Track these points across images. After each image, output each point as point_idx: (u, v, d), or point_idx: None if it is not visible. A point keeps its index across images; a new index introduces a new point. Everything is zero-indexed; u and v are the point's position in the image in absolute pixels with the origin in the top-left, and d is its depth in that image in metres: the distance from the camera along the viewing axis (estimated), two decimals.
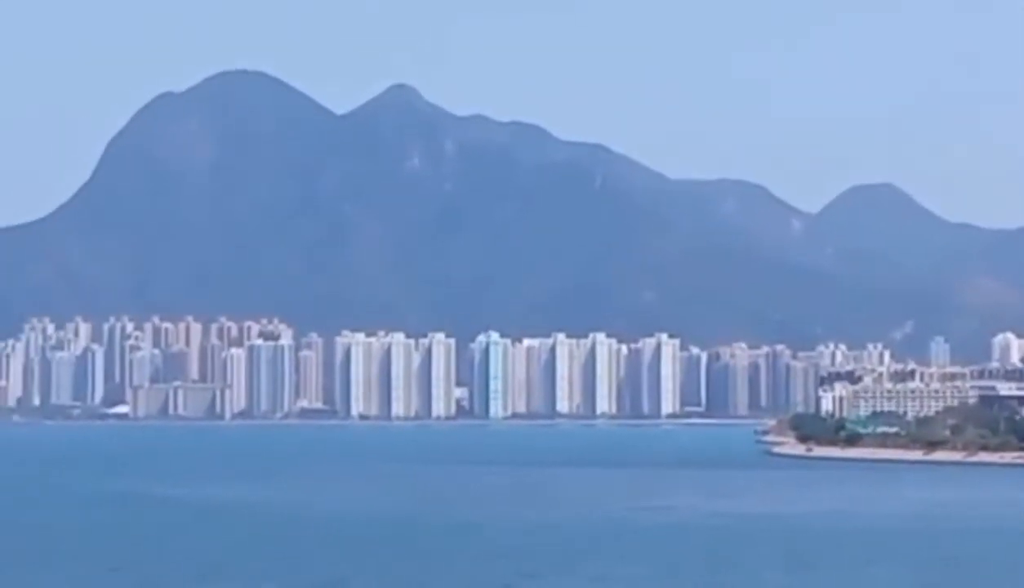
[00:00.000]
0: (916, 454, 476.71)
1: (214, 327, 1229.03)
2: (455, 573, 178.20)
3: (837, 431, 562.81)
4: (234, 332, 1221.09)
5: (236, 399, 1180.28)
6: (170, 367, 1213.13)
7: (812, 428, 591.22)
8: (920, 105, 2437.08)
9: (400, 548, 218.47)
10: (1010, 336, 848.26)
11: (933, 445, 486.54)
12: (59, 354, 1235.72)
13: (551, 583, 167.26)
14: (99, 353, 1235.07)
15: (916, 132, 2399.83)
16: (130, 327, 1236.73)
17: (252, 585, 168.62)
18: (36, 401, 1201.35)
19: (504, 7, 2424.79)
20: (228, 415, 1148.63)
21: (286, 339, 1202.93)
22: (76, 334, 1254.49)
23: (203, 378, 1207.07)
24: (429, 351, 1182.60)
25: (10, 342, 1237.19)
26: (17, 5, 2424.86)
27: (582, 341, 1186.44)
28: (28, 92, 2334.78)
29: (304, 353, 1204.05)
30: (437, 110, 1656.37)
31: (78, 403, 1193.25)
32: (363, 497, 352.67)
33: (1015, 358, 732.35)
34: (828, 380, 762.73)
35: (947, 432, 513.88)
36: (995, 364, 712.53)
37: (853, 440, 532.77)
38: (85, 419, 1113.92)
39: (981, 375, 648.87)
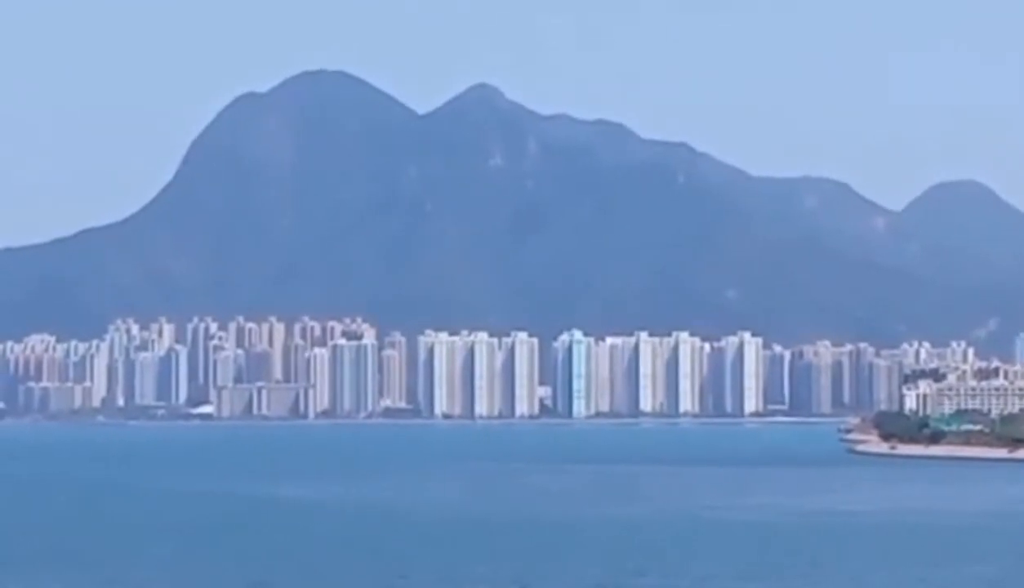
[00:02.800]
0: (1001, 452, 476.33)
1: (297, 327, 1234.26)
2: (563, 571, 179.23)
3: (920, 429, 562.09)
4: (317, 332, 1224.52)
5: (319, 399, 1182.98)
6: (253, 367, 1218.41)
7: (896, 426, 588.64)
8: (1004, 104, 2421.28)
9: (501, 547, 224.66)
10: None
11: (1018, 443, 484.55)
12: (143, 354, 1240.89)
13: (659, 582, 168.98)
14: (183, 353, 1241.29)
15: (1000, 129, 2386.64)
16: (213, 327, 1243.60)
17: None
18: (120, 402, 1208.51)
19: (586, 5, 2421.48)
20: (311, 415, 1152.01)
21: (369, 338, 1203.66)
22: (160, 334, 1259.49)
23: (286, 378, 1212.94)
24: (512, 350, 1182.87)
25: (95, 342, 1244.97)
26: (103, 9, 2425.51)
27: (665, 339, 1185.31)
28: (112, 93, 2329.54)
29: (387, 352, 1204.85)
30: (519, 109, 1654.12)
31: (162, 403, 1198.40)
32: (455, 496, 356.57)
33: None
34: (912, 378, 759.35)
35: None
36: None
37: (937, 438, 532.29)
38: (169, 419, 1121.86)
39: None
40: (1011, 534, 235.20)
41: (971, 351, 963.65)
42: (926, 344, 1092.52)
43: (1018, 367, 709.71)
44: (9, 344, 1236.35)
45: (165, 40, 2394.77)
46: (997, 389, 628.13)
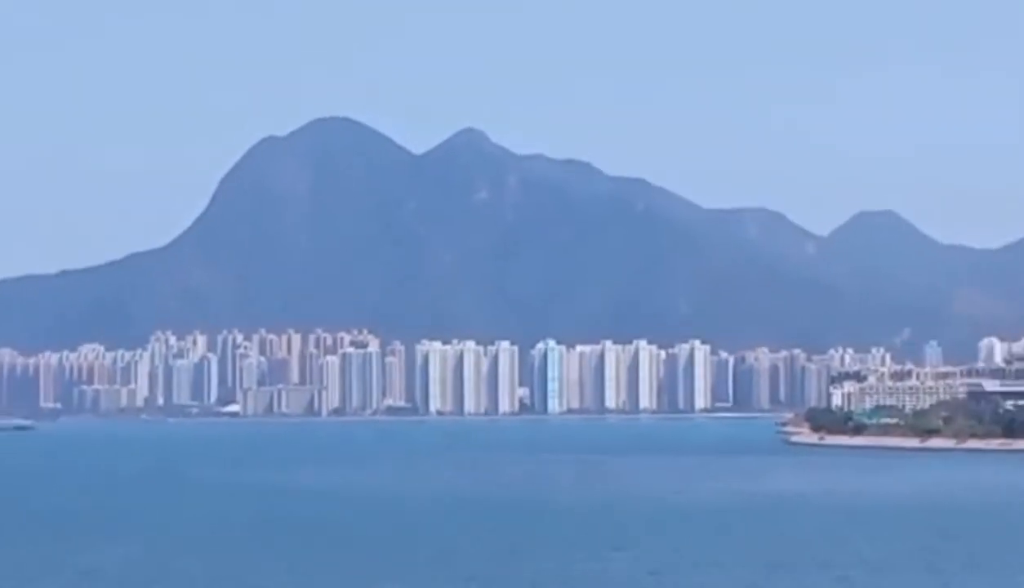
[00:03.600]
0: (913, 442, 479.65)
1: (311, 337, 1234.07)
2: (546, 546, 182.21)
3: (845, 422, 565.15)
4: (329, 342, 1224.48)
5: (331, 399, 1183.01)
6: (274, 372, 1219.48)
7: (824, 420, 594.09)
8: (917, 142, 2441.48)
9: (489, 525, 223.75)
10: (994, 340, 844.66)
11: (928, 434, 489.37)
12: (179, 362, 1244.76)
13: (634, 556, 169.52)
14: (213, 361, 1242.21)
15: (913, 166, 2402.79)
16: (240, 338, 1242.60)
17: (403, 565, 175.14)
18: (160, 402, 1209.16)
19: (558, 60, 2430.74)
20: (324, 413, 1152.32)
21: (373, 347, 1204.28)
22: (194, 344, 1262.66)
23: (302, 381, 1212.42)
24: (496, 357, 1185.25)
25: (138, 351, 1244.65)
26: (141, 63, 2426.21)
27: (627, 347, 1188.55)
28: (153, 136, 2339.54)
29: (389, 359, 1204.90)
30: (501, 150, 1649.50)
31: (196, 403, 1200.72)
32: (449, 481, 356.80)
33: (998, 359, 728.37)
34: (838, 379, 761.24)
35: (940, 423, 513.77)
36: (981, 364, 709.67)
37: (859, 430, 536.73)
38: (202, 417, 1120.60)
39: (969, 374, 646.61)
40: (921, 511, 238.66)
41: (888, 356, 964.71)
42: (850, 350, 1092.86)
43: (927, 369, 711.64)
44: (65, 353, 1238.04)
45: (199, 89, 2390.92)
46: (910, 388, 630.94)
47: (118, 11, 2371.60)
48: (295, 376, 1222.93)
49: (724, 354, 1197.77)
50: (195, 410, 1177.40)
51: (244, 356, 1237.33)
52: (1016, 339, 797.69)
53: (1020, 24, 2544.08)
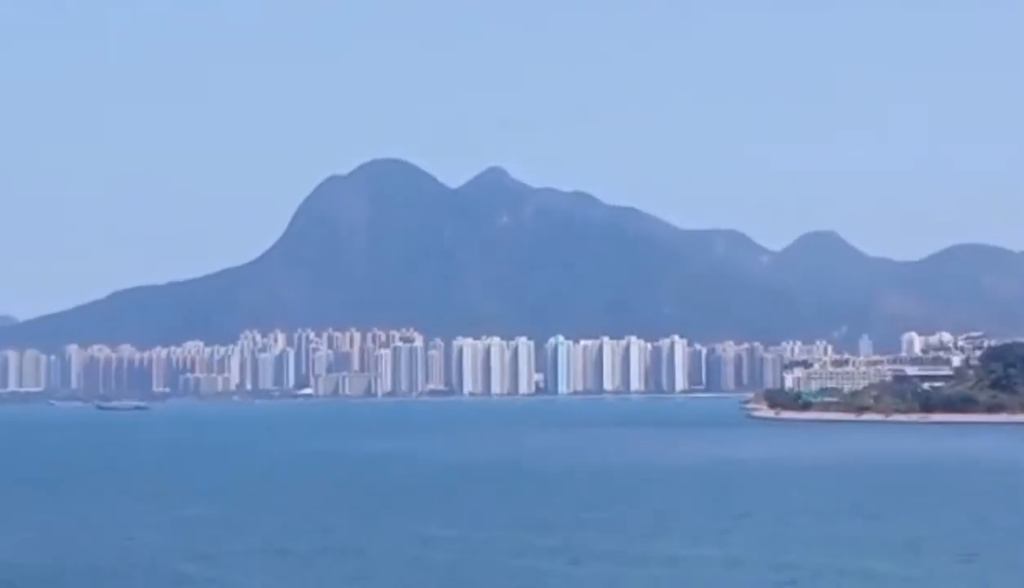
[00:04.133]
0: (850, 416, 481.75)
1: (369, 335, 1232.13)
2: (557, 500, 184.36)
3: (796, 400, 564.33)
4: (383, 338, 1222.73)
5: (384, 384, 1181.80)
6: (339, 362, 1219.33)
7: (779, 399, 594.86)
8: (854, 170, 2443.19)
9: (509, 484, 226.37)
10: (913, 334, 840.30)
11: (862, 410, 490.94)
12: (263, 355, 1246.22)
13: (629, 508, 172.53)
14: (291, 353, 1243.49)
15: (851, 193, 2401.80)
16: (312, 335, 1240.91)
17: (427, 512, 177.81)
18: (248, 387, 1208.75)
19: (567, 114, 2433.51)
20: (379, 395, 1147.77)
21: (418, 342, 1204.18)
22: (275, 341, 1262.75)
23: (362, 369, 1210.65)
24: (516, 350, 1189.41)
25: (231, 346, 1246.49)
26: (232, 107, 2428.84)
27: (620, 341, 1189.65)
28: (244, 173, 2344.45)
29: (431, 352, 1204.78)
30: (519, 184, 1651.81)
31: (277, 387, 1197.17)
32: (488, 448, 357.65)
33: (917, 349, 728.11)
34: (789, 366, 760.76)
35: (871, 401, 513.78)
36: (903, 354, 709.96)
37: (807, 406, 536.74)
38: (282, 398, 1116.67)
39: (894, 362, 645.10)
40: (855, 470, 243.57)
41: (829, 347, 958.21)
42: (798, 343, 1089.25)
43: (861, 358, 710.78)
44: (172, 348, 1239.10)
45: (280, 132, 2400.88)
46: (847, 373, 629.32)
47: (220, 63, 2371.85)
48: (356, 365, 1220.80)
49: (698, 346, 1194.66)
50: (276, 393, 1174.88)
51: (315, 349, 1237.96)
52: (932, 334, 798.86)
53: (932, 62, 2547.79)
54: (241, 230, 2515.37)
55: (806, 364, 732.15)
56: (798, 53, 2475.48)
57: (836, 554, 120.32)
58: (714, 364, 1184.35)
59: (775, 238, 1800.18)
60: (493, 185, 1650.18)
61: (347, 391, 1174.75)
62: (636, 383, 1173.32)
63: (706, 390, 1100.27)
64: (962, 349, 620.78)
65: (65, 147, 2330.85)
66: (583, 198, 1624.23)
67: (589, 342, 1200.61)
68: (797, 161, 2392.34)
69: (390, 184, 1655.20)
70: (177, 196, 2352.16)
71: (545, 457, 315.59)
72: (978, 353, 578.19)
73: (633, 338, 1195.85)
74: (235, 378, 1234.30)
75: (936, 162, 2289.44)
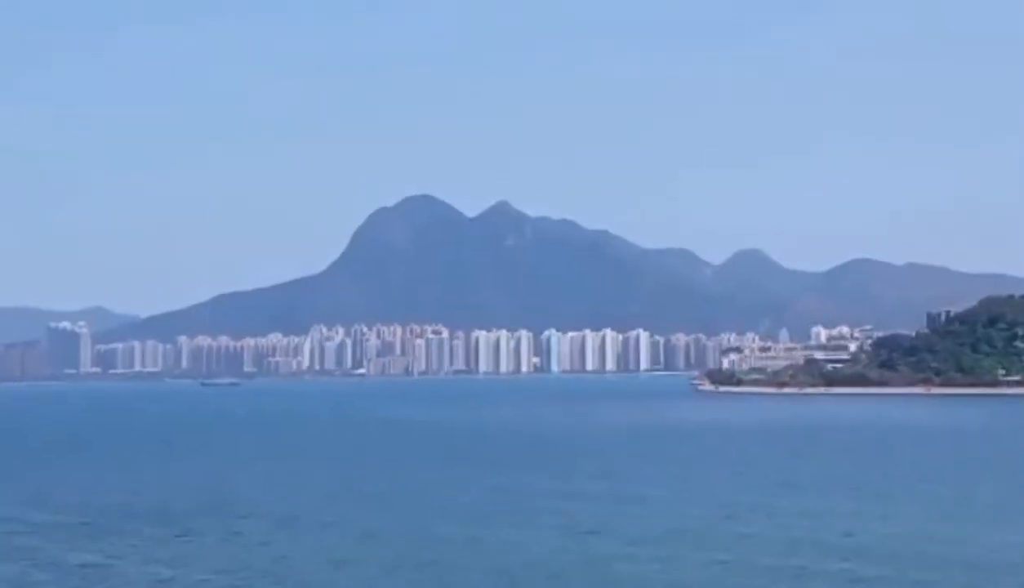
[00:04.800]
0: (773, 390, 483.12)
1: (408, 328, 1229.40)
2: (552, 454, 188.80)
3: (731, 378, 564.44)
4: (418, 331, 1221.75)
5: (419, 365, 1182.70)
6: (385, 349, 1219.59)
7: (718, 377, 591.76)
8: (775, 198, 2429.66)
9: (519, 441, 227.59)
10: (820, 328, 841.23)
11: (781, 384, 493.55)
12: (328, 343, 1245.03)
13: (602, 459, 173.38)
14: (349, 343, 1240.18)
15: (772, 218, 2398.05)
16: (365, 329, 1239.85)
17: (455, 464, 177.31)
18: (316, 367, 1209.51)
19: (557, 156, 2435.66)
20: (415, 374, 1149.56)
21: (445, 334, 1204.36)
22: (337, 333, 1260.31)
23: (403, 354, 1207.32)
24: (519, 339, 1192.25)
25: (303, 337, 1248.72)
26: (306, 153, 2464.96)
27: (598, 333, 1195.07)
28: (314, 205, 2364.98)
29: (455, 341, 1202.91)
30: (520, 213, 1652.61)
31: (338, 368, 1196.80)
32: (502, 415, 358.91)
33: (823, 339, 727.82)
34: (726, 351, 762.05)
35: (788, 378, 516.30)
36: (812, 342, 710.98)
37: (740, 383, 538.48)
38: (341, 377, 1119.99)
39: (805, 348, 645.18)
40: (776, 431, 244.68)
41: (757, 338, 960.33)
42: (733, 334, 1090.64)
43: (780, 345, 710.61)
44: (258, 338, 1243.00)
45: (342, 175, 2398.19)
46: (771, 357, 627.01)
47: (296, 117, 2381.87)
48: (398, 351, 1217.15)
49: (657, 337, 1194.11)
50: (337, 373, 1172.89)
51: (367, 339, 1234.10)
52: (834, 328, 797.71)
53: (850, 99, 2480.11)
54: (311, 249, 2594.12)
55: (739, 350, 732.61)
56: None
57: (762, 493, 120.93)
58: (670, 350, 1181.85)
59: (716, 254, 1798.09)
60: (501, 214, 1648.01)
61: (391, 371, 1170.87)
62: (610, 365, 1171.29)
63: (664, 370, 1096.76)
64: (857, 339, 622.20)
65: (179, 180, 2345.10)
66: (569, 224, 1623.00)
67: (574, 333, 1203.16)
68: (732, 190, 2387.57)
69: (423, 214, 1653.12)
70: (262, 222, 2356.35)
71: (546, 421, 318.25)
72: (869, 342, 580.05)
73: (608, 331, 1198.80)
74: (306, 362, 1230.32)
75: (844, 189, 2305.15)
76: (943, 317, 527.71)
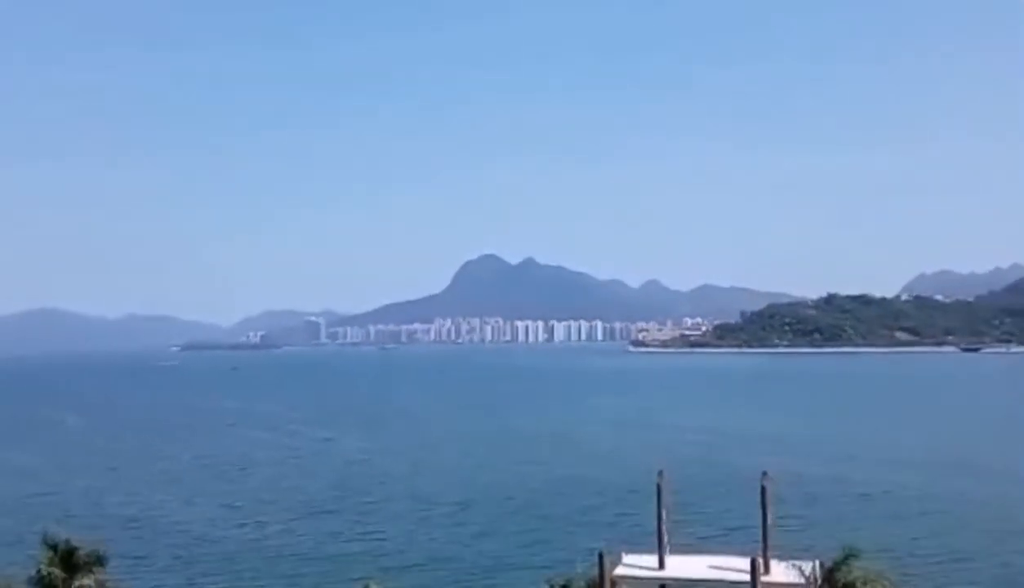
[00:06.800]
0: (686, 350, 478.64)
1: (480, 320, 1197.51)
2: (543, 389, 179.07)
3: (643, 343, 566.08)
4: (486, 321, 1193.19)
5: (487, 337, 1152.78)
6: (471, 330, 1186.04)
7: (638, 343, 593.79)
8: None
9: (530, 375, 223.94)
10: (687, 319, 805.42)
11: (694, 346, 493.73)
12: (443, 327, 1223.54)
13: (567, 388, 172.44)
14: (453, 327, 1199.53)
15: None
16: (461, 320, 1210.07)
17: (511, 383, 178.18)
18: (436, 340, 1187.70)
19: (543, 208, 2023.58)
20: (486, 342, 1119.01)
21: (500, 322, 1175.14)
22: (444, 323, 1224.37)
23: (480, 331, 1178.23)
24: (526, 326, 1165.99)
25: (428, 326, 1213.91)
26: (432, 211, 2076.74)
27: (575, 323, 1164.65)
28: (435, 255, 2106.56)
29: (504, 326, 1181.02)
30: (534, 261, 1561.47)
31: (448, 340, 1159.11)
32: (519, 363, 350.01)
33: (689, 325, 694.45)
34: (641, 331, 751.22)
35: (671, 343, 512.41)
36: (685, 326, 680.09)
37: (647, 346, 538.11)
38: (448, 345, 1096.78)
39: (681, 329, 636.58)
40: (691, 372, 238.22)
41: (657, 324, 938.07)
42: (654, 323, 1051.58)
43: (668, 328, 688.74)
44: (404, 326, 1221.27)
45: (455, 236, 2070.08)
46: (662, 334, 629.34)
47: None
48: (477, 331, 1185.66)
49: (606, 324, 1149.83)
50: (446, 342, 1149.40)
51: (461, 326, 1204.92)
52: (695, 320, 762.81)
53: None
54: (427, 275, 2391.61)
55: (647, 331, 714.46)
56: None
57: (684, 413, 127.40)
58: (613, 331, 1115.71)
59: (629, 277, 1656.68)
60: (529, 266, 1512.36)
61: (473, 341, 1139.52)
62: (593, 337, 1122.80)
63: (609, 340, 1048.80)
64: (706, 325, 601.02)
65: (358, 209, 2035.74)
66: (560, 269, 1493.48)
67: (554, 323, 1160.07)
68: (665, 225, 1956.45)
69: (485, 264, 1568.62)
70: (416, 257, 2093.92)
71: (544, 364, 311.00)
72: (713, 326, 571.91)
73: (583, 322, 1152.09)
74: (431, 338, 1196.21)
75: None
76: (749, 314, 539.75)
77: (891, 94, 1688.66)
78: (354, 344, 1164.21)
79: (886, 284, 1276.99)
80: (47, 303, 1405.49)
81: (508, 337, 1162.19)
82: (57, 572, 24.26)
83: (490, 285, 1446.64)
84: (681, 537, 29.62)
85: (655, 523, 27.19)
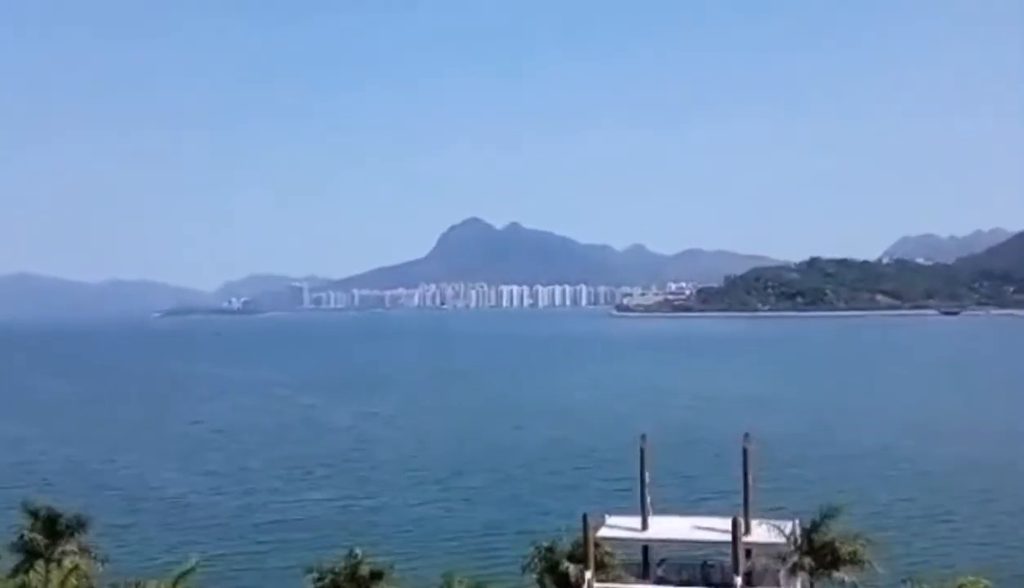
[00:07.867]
0: (670, 314, 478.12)
1: (464, 284, 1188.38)
2: (537, 353, 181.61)
3: (627, 308, 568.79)
4: (472, 286, 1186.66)
5: (471, 303, 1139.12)
6: (455, 295, 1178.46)
7: (621, 307, 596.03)
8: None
9: (526, 341, 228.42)
10: (672, 284, 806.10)
11: (676, 310, 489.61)
12: (427, 292, 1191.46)
13: (554, 351, 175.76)
14: (438, 293, 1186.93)
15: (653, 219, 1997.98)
16: (445, 285, 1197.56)
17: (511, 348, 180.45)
18: (421, 305, 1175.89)
19: (515, 181, 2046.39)
20: (469, 307, 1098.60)
21: (485, 287, 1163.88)
22: (432, 288, 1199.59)
23: (464, 297, 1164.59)
24: (511, 291, 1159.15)
25: (413, 290, 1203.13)
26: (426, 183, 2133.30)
27: (559, 288, 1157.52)
28: (422, 220, 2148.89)
29: (488, 291, 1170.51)
30: (520, 227, 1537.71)
31: (431, 306, 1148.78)
32: (511, 329, 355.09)
33: (673, 289, 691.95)
34: (626, 295, 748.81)
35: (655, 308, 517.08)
36: (669, 291, 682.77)
37: (630, 310, 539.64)
38: (432, 310, 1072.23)
39: (664, 294, 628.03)
40: (674, 337, 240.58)
41: (641, 289, 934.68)
42: (638, 287, 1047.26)
43: (652, 293, 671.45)
44: (389, 291, 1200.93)
45: (438, 201, 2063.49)
46: (647, 298, 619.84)
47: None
48: (462, 296, 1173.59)
49: (591, 288, 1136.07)
50: (429, 308, 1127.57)
51: (446, 291, 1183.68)
52: (678, 284, 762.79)
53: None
54: (412, 242, 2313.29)
55: (631, 295, 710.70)
56: None
57: (667, 377, 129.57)
58: (598, 296, 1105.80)
59: (620, 244, 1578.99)
60: (512, 232, 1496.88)
61: (457, 307, 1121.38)
62: (568, 303, 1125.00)
63: (594, 305, 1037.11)
64: (690, 289, 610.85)
65: None
66: (548, 234, 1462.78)
67: (539, 288, 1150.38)
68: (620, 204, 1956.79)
69: (468, 229, 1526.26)
70: (408, 224, 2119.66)
71: (516, 337, 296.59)
72: (696, 290, 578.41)
73: (557, 287, 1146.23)
74: (415, 302, 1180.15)
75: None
76: (732, 278, 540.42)
77: (880, 60, 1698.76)
78: (337, 310, 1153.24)
79: (870, 247, 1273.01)
80: (24, 268, 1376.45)
81: (493, 302, 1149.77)
82: (39, 538, 24.82)
83: (475, 249, 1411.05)
84: (664, 499, 29.94)
85: (639, 486, 27.27)
